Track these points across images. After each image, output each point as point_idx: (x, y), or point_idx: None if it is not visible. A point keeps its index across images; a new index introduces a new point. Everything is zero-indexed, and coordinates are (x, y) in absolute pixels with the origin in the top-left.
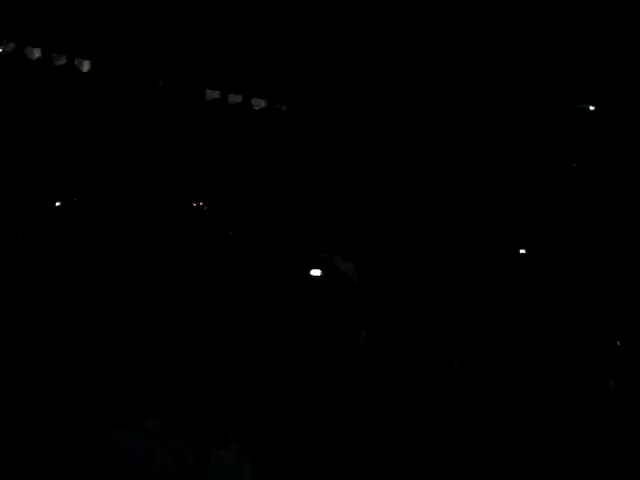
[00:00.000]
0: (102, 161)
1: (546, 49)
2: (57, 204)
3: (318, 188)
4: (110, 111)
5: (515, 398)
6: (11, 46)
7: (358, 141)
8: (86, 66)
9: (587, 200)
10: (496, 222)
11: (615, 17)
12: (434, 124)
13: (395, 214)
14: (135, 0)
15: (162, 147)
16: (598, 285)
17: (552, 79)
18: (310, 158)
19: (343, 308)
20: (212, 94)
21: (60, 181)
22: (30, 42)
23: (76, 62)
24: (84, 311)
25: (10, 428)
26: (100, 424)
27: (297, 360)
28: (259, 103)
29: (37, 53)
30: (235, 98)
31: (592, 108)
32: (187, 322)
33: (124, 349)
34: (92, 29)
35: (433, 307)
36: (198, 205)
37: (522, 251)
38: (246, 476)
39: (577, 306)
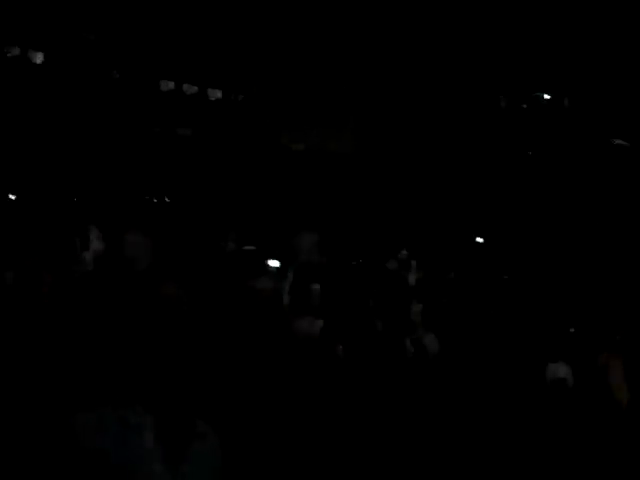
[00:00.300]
0: (58, 152)
1: (500, 42)
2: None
3: (272, 177)
4: (66, 103)
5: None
6: None
7: (316, 131)
8: (39, 58)
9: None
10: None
11: (569, 11)
12: (398, 117)
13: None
14: None
15: (117, 138)
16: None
17: (508, 70)
18: (265, 148)
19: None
20: (167, 85)
21: (12, 171)
22: None
23: (29, 54)
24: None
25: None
26: (73, 411)
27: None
28: (215, 93)
29: None
30: (191, 88)
31: (547, 97)
32: (168, 318)
33: (106, 342)
34: (46, 22)
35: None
36: (152, 196)
37: (479, 240)
38: (218, 468)
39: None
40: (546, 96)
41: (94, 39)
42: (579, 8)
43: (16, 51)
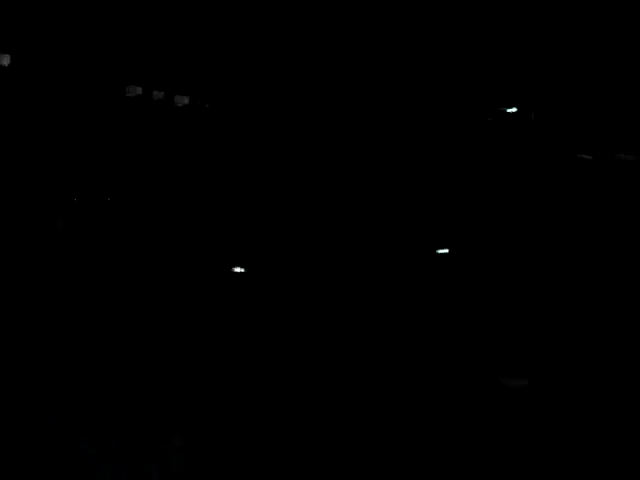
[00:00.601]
0: (21, 155)
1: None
2: None
3: (238, 185)
4: (33, 106)
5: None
6: None
7: (282, 137)
8: (6, 60)
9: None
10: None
11: (535, 25)
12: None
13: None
14: None
15: (84, 142)
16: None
17: (472, 83)
18: (233, 155)
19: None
20: (135, 90)
21: None
22: None
23: None
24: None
25: None
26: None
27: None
28: (182, 100)
29: None
30: (158, 94)
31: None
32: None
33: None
34: (13, 24)
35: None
36: (113, 199)
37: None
38: (183, 468)
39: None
40: (511, 110)
41: (61, 43)
42: (545, 22)
43: None
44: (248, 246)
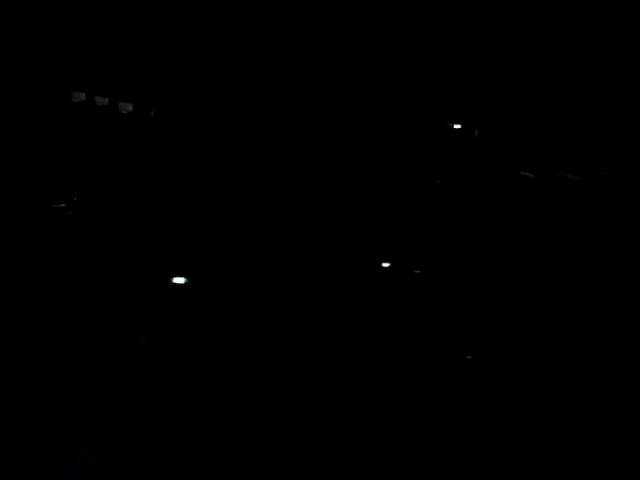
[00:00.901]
0: None
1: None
2: None
3: (180, 191)
4: None
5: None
6: None
7: (223, 145)
8: None
9: None
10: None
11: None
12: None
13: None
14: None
15: (27, 147)
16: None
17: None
18: (175, 162)
19: None
20: (79, 96)
21: None
22: None
23: None
24: None
25: None
26: None
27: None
28: (126, 107)
29: None
30: (102, 101)
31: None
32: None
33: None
34: None
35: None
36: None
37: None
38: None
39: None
40: (456, 126)
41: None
42: (489, 38)
43: None
44: (182, 258)
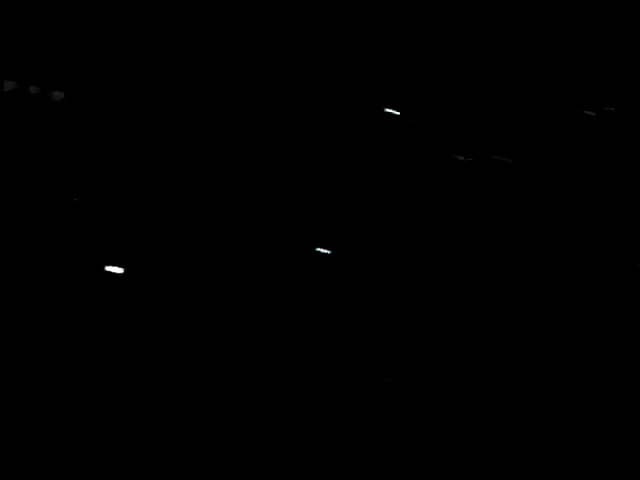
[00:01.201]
0: None
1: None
2: None
3: (118, 179)
4: None
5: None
6: None
7: (157, 133)
8: None
9: None
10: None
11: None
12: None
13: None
14: None
15: None
16: None
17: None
18: (112, 151)
19: None
20: (10, 85)
21: None
22: None
23: None
24: None
25: None
26: None
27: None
28: (58, 95)
29: None
30: (34, 89)
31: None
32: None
33: None
34: None
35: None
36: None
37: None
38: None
39: None
40: (395, 112)
41: None
42: (424, 26)
43: None
44: (126, 251)
